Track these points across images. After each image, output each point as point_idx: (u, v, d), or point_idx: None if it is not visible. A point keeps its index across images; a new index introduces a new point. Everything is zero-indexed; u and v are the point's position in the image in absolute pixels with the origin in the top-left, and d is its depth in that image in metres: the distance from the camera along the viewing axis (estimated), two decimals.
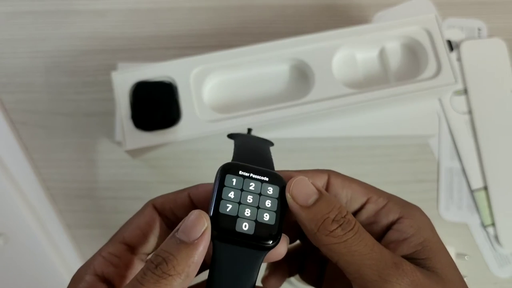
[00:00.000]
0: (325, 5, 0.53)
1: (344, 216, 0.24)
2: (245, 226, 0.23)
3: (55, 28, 0.52)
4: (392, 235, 0.26)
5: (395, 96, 0.43)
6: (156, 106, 0.42)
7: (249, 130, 0.36)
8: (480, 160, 0.49)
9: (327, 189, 0.27)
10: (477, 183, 0.48)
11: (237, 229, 0.23)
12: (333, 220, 0.24)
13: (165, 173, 0.49)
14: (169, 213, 0.27)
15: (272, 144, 0.30)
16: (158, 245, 0.26)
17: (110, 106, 0.49)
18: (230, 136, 0.30)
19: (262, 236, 0.23)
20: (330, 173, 0.27)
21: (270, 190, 0.25)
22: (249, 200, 0.24)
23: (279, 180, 0.25)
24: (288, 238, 0.26)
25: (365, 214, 0.27)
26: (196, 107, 0.42)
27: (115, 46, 0.51)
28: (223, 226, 0.23)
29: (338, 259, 0.23)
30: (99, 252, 0.25)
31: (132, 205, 0.48)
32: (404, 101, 0.45)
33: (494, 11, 0.53)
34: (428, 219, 0.26)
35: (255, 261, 0.24)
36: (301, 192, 0.24)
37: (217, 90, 0.45)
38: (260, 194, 0.24)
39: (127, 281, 0.25)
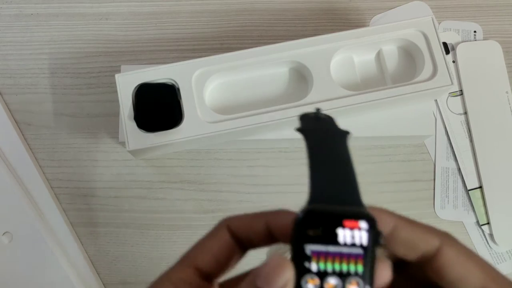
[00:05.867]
0: (324, 9, 0.54)
1: None
2: None
3: (60, 30, 0.53)
4: None
5: (392, 97, 0.43)
6: (158, 107, 0.42)
7: (318, 111, 0.28)
8: (475, 160, 0.50)
9: (434, 258, 0.22)
10: (472, 182, 0.49)
11: None
12: None
13: (168, 173, 0.49)
14: (243, 236, 0.23)
15: (349, 133, 0.25)
16: (229, 268, 0.23)
17: (114, 107, 0.50)
18: (301, 130, 0.25)
19: None
20: (445, 239, 0.22)
21: (358, 237, 0.20)
22: (336, 255, 0.20)
23: (369, 220, 0.20)
24: (390, 263, 0.21)
25: None
26: (197, 109, 0.43)
27: (118, 48, 0.52)
28: None
29: None
30: (167, 277, 0.23)
31: (136, 204, 0.49)
32: (400, 103, 0.45)
33: (490, 14, 0.54)
34: None
35: None
36: None
37: (218, 92, 0.45)
38: (348, 245, 0.20)
39: None
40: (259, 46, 0.44)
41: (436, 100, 0.51)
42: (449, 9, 0.54)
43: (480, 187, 0.49)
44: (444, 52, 0.44)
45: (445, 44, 0.45)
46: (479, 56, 0.52)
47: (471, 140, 0.50)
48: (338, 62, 0.46)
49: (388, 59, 0.46)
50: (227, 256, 0.23)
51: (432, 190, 0.49)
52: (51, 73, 0.52)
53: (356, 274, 0.20)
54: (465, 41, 0.53)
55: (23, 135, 0.50)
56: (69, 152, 0.50)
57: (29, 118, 0.50)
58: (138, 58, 0.52)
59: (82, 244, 0.48)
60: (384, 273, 0.21)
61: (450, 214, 0.49)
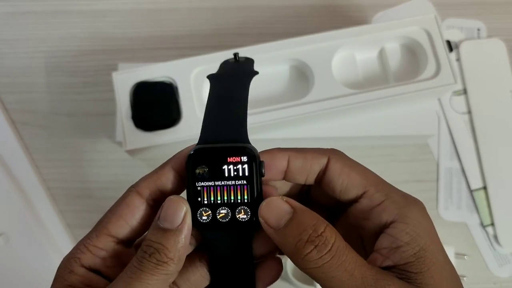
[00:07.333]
0: (325, 6, 0.53)
1: (321, 234, 0.22)
2: (223, 218, 0.23)
3: (56, 28, 0.52)
4: (384, 240, 0.23)
5: (395, 96, 0.43)
6: (156, 106, 0.42)
7: (236, 54, 0.30)
8: (479, 160, 0.49)
9: (324, 173, 0.25)
10: (476, 183, 0.49)
11: (215, 221, 0.23)
12: (307, 241, 0.22)
13: None
14: (155, 194, 0.25)
15: (256, 73, 0.27)
16: (144, 231, 0.25)
17: (111, 106, 0.49)
18: (209, 76, 0.28)
19: (241, 223, 0.23)
20: (331, 155, 0.25)
21: (241, 170, 0.23)
22: (223, 188, 0.24)
23: (249, 154, 0.23)
24: (276, 187, 0.25)
25: (358, 208, 0.25)
26: (196, 107, 0.42)
27: (115, 46, 0.52)
28: (202, 221, 0.24)
29: (319, 284, 0.22)
30: (84, 244, 0.25)
31: None
32: (403, 101, 0.45)
33: (493, 12, 0.53)
34: (429, 222, 0.24)
35: (244, 242, 0.24)
36: (273, 214, 0.23)
37: None
38: (233, 178, 0.23)
39: (114, 270, 0.25)
40: (259, 43, 0.43)
41: (439, 99, 0.50)
42: (452, 6, 0.53)
43: (484, 187, 0.48)
44: (448, 50, 0.44)
45: (448, 42, 0.45)
46: (483, 55, 0.51)
47: (475, 140, 0.49)
48: (340, 60, 0.45)
49: (390, 57, 0.45)
50: (138, 219, 0.25)
51: (436, 191, 0.49)
52: (47, 71, 0.51)
53: (243, 203, 0.23)
54: (468, 39, 0.52)
55: (19, 134, 0.49)
56: (66, 152, 0.49)
57: (25, 117, 0.50)
58: (135, 56, 0.51)
59: None
60: (273, 193, 0.24)
61: (453, 215, 0.48)
